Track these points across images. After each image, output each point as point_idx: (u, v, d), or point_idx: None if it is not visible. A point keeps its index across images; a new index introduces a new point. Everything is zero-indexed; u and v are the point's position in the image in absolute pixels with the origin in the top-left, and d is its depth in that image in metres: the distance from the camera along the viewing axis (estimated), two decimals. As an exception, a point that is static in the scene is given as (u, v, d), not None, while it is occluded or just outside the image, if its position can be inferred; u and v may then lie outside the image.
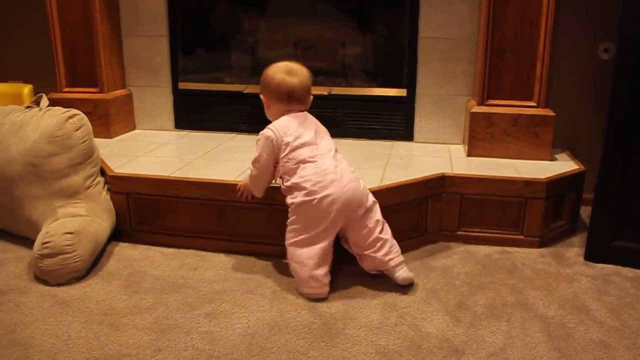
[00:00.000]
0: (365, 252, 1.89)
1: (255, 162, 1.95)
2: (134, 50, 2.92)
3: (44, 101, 2.27)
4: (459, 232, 2.24)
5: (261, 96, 2.00)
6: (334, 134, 2.75)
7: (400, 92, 2.72)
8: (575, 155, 2.51)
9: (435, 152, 2.55)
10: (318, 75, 2.80)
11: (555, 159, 2.44)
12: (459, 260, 2.10)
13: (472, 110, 2.43)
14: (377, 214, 1.91)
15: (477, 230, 2.23)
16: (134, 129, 3.02)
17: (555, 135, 2.41)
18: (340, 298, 1.82)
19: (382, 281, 1.92)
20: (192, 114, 2.97)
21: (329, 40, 2.82)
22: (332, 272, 1.88)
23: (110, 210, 2.21)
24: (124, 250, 2.18)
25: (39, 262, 1.90)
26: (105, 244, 2.15)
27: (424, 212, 2.18)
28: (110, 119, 2.81)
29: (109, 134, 2.82)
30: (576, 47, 2.57)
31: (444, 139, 2.71)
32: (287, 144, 1.88)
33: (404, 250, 2.11)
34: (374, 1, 2.72)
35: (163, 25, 2.86)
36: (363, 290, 1.87)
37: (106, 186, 2.25)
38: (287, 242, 1.88)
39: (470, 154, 2.47)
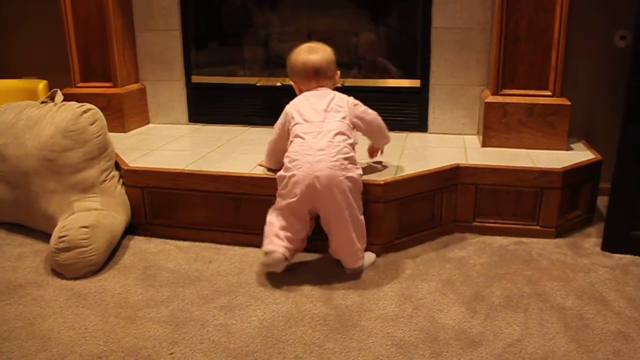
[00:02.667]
0: (332, 243, 1.92)
1: (274, 128, 2.05)
2: (147, 44, 2.93)
3: (59, 96, 2.28)
4: (474, 223, 2.23)
5: (292, 83, 2.07)
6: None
7: (414, 83, 2.70)
8: (591, 145, 2.48)
9: (450, 143, 2.53)
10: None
11: (571, 149, 2.41)
12: (474, 251, 2.09)
13: (486, 100, 2.41)
14: (351, 214, 1.85)
15: (492, 221, 2.22)
16: (147, 123, 3.03)
17: (570, 125, 2.38)
18: (355, 290, 1.82)
19: (397, 273, 1.92)
20: (206, 107, 2.97)
21: (342, 31, 2.80)
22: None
23: (125, 204, 2.22)
24: (139, 244, 2.19)
25: (56, 256, 1.92)
26: (121, 237, 2.16)
27: (438, 203, 2.17)
28: (124, 113, 2.82)
29: (123, 128, 2.83)
30: (592, 34, 2.53)
31: (458, 129, 2.69)
32: (294, 119, 1.95)
33: (419, 242, 2.13)
34: (386, -8, 2.70)
35: (176, 19, 2.86)
36: (378, 281, 1.87)
37: (121, 180, 2.26)
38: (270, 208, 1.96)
39: (484, 144, 2.45)
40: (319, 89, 2.01)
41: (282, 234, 1.87)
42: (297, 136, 1.90)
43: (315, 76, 2.00)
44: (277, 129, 2.03)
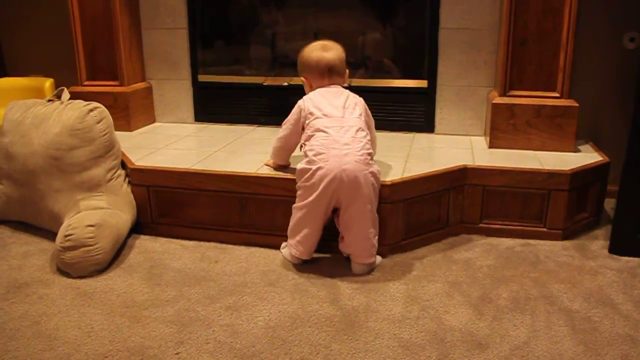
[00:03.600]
0: (346, 237, 1.93)
1: (284, 123, 2.07)
2: (153, 43, 2.93)
3: (65, 94, 2.28)
4: (481, 225, 2.22)
5: (302, 79, 2.08)
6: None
7: (421, 84, 2.69)
8: (598, 147, 2.47)
9: (457, 144, 2.52)
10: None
11: (579, 151, 2.40)
12: (481, 252, 2.08)
13: (494, 102, 2.40)
14: (372, 209, 1.90)
15: (499, 222, 2.21)
16: (153, 121, 3.03)
17: (578, 126, 2.37)
18: (361, 291, 1.81)
19: (404, 274, 1.91)
20: (212, 106, 2.97)
21: (349, 31, 2.80)
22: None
23: (131, 202, 2.22)
24: (145, 243, 2.18)
25: (62, 255, 1.91)
26: (127, 236, 2.16)
27: (445, 204, 2.16)
28: (130, 112, 2.82)
29: (129, 127, 2.83)
30: (600, 36, 2.52)
31: (465, 130, 2.68)
32: (312, 114, 1.95)
33: (425, 243, 2.12)
34: (394, -8, 2.70)
35: (182, 17, 2.86)
36: (384, 282, 1.86)
37: (127, 179, 2.26)
38: (293, 205, 1.96)
39: (492, 145, 2.44)
40: (331, 86, 2.03)
41: (308, 241, 1.93)
42: (318, 130, 1.91)
43: (329, 73, 2.03)
44: (289, 124, 2.04)
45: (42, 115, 2.20)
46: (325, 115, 1.94)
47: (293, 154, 2.13)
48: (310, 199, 1.87)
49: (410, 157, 2.32)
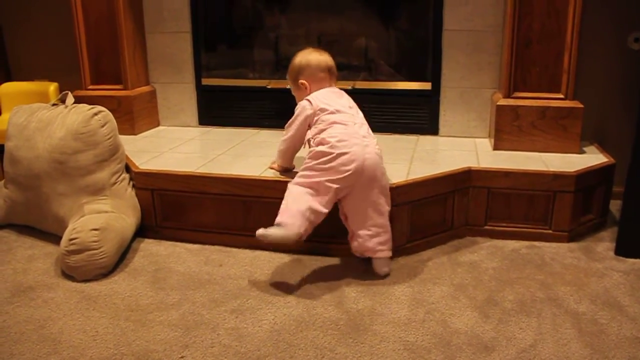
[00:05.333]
0: (361, 232, 1.89)
1: (288, 125, 2.05)
2: (157, 47, 2.93)
3: (70, 98, 2.28)
4: (486, 227, 2.21)
5: (300, 82, 2.06)
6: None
7: (425, 86, 2.69)
8: (604, 148, 2.46)
9: (461, 146, 2.52)
10: (342, 70, 2.79)
11: (584, 152, 2.39)
12: (486, 255, 2.07)
13: (498, 103, 2.39)
14: (386, 201, 1.91)
15: (504, 224, 2.20)
16: (157, 125, 3.03)
17: (582, 128, 2.36)
18: (366, 294, 1.80)
19: (409, 276, 1.91)
20: (216, 110, 2.97)
21: (352, 34, 2.79)
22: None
23: (135, 206, 2.22)
24: (149, 247, 2.18)
25: (66, 259, 1.91)
26: (131, 240, 2.16)
27: (450, 207, 2.16)
28: (134, 115, 2.82)
29: (133, 131, 2.83)
30: (605, 37, 2.51)
31: (469, 132, 2.67)
32: (323, 110, 1.95)
33: (430, 245, 2.11)
34: (398, -6, 2.70)
35: (186, 21, 2.86)
36: (389, 285, 1.86)
37: (131, 182, 2.26)
38: (291, 182, 1.87)
39: (496, 147, 2.43)
40: (334, 88, 2.06)
41: (309, 215, 1.80)
42: (334, 123, 1.91)
43: (330, 74, 2.07)
44: (296, 124, 2.01)
45: (46, 120, 2.20)
46: (337, 110, 1.95)
47: (297, 155, 2.13)
48: (324, 179, 1.80)
49: (414, 159, 2.32)
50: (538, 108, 2.35)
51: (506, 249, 2.11)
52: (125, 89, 2.82)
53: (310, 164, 1.86)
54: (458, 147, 2.50)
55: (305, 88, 2.06)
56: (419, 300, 1.76)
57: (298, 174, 1.89)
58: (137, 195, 2.24)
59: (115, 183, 2.17)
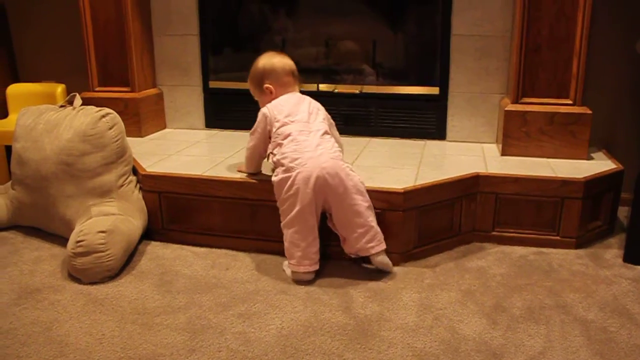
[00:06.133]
0: (349, 236, 1.91)
1: (251, 133, 2.08)
2: (164, 49, 2.93)
3: (77, 100, 2.28)
4: (493, 233, 2.20)
5: (265, 87, 2.09)
6: (364, 133, 2.77)
7: (433, 90, 2.68)
8: (612, 154, 2.45)
9: (469, 151, 2.51)
10: (349, 74, 2.79)
11: (592, 158, 2.38)
12: (493, 261, 2.06)
13: (506, 109, 2.38)
14: (363, 199, 1.91)
15: (511, 230, 2.19)
16: (164, 128, 3.03)
17: (590, 133, 2.35)
18: (374, 299, 1.80)
19: (416, 282, 1.90)
20: (223, 112, 2.96)
21: (360, 38, 2.79)
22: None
23: (142, 209, 2.21)
24: (155, 249, 2.18)
25: (73, 261, 1.91)
26: (137, 243, 2.16)
27: (458, 212, 2.15)
28: (141, 118, 2.82)
29: (139, 133, 2.83)
30: (613, 42, 2.51)
31: (477, 137, 2.67)
32: (278, 121, 1.98)
33: (437, 251, 2.11)
34: (405, -2, 2.69)
35: (194, 24, 2.86)
36: (397, 291, 1.85)
37: (138, 185, 2.26)
38: (281, 224, 1.94)
39: (504, 153, 2.42)
40: (295, 93, 2.09)
41: (314, 250, 1.89)
42: (287, 136, 1.94)
43: (294, 78, 2.09)
44: (257, 134, 2.06)
45: (54, 121, 2.20)
46: (292, 121, 1.97)
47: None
48: (298, 207, 1.86)
49: (422, 164, 2.31)
50: (546, 114, 2.34)
51: (514, 255, 2.10)
52: (132, 91, 2.82)
53: (280, 198, 1.91)
54: (465, 153, 2.49)
55: (270, 92, 2.08)
56: (427, 306, 1.76)
57: (281, 212, 1.93)
58: (143, 197, 2.24)
59: (122, 185, 2.17)
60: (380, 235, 1.93)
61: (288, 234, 1.91)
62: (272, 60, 2.08)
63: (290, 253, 1.91)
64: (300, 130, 1.95)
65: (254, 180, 2.11)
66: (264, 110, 2.04)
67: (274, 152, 1.98)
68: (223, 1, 2.89)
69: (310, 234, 1.89)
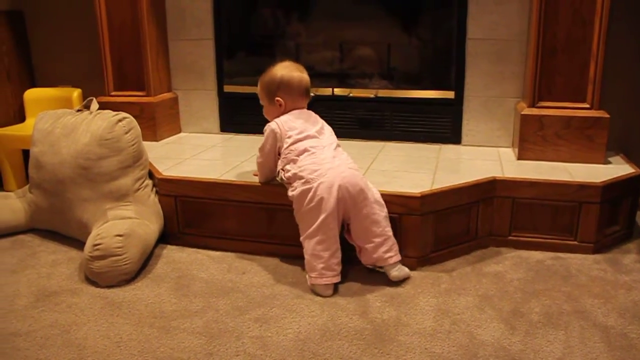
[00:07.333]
0: (366, 246, 1.90)
1: (260, 150, 2.06)
2: (180, 53, 2.94)
3: (94, 105, 2.30)
4: (510, 237, 2.19)
5: (277, 99, 2.03)
6: (379, 137, 2.77)
7: (448, 94, 2.67)
8: (629, 158, 2.43)
9: (485, 156, 2.50)
10: (364, 78, 2.79)
11: (609, 162, 2.36)
12: (511, 266, 2.05)
13: (522, 113, 2.37)
14: (381, 209, 1.92)
15: (528, 235, 2.17)
16: (179, 132, 3.04)
17: (608, 137, 2.33)
18: (391, 304, 1.79)
19: (433, 287, 1.89)
20: (238, 116, 2.97)
21: (374, 42, 2.79)
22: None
23: (158, 212, 2.22)
24: (172, 253, 2.18)
25: (90, 264, 1.92)
26: (154, 246, 2.16)
27: (474, 217, 2.14)
28: (156, 122, 2.83)
29: (155, 137, 2.84)
30: (631, 45, 2.49)
31: (492, 141, 2.65)
32: (290, 137, 1.96)
33: (454, 255, 2.10)
34: (421, 3, 2.68)
35: (209, 28, 2.87)
36: (414, 295, 1.84)
37: (154, 189, 2.26)
38: (301, 238, 1.91)
39: (520, 157, 2.41)
40: (303, 110, 2.06)
41: (335, 262, 1.87)
42: (304, 151, 1.92)
43: (306, 94, 2.06)
44: (265, 150, 2.03)
45: (71, 125, 2.22)
46: (305, 137, 1.95)
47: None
48: (323, 216, 1.83)
49: (438, 168, 2.30)
50: (563, 118, 2.33)
51: (531, 260, 2.09)
52: (148, 95, 2.83)
53: (301, 211, 1.89)
54: (481, 157, 2.48)
55: (280, 105, 2.03)
56: (444, 311, 1.75)
57: (301, 226, 1.91)
58: (160, 201, 2.25)
59: (138, 189, 2.18)
60: (397, 246, 1.92)
61: (310, 246, 1.87)
62: (292, 74, 2.01)
63: (312, 266, 1.86)
64: (314, 145, 1.94)
65: (270, 184, 2.11)
66: (273, 126, 1.99)
67: (286, 167, 1.95)
68: (238, 5, 2.91)
69: (334, 244, 1.86)
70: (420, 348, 1.56)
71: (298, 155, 1.92)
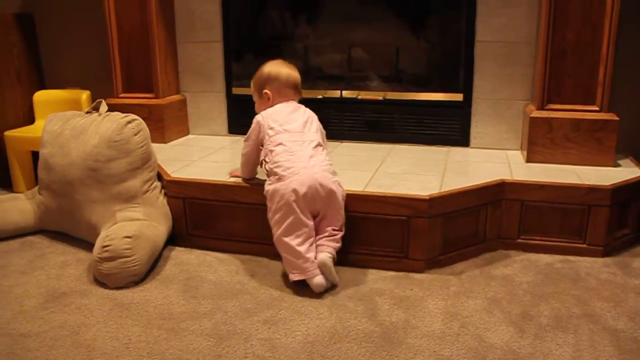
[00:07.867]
0: (318, 234, 1.93)
1: (245, 140, 2.11)
2: (188, 56, 2.95)
3: (103, 106, 2.30)
4: (519, 240, 2.18)
5: (264, 92, 2.11)
6: (388, 139, 2.77)
7: (456, 97, 2.67)
8: (639, 161, 2.42)
9: (493, 158, 2.49)
10: (373, 80, 2.79)
11: (619, 165, 2.36)
12: (519, 269, 2.04)
13: (531, 115, 2.37)
14: (343, 214, 1.95)
15: (537, 238, 2.17)
16: (187, 134, 3.05)
17: (617, 140, 2.32)
18: (399, 306, 1.79)
19: (442, 289, 1.88)
20: (246, 118, 2.94)
21: (382, 44, 2.79)
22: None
23: (167, 214, 2.22)
24: (180, 255, 2.19)
25: (99, 265, 1.92)
26: (162, 248, 2.17)
27: (483, 219, 2.13)
28: (165, 124, 2.84)
29: (163, 139, 2.85)
30: (639, 46, 2.48)
31: (501, 144, 2.65)
32: (272, 129, 2.00)
33: (462, 258, 2.10)
34: (429, 5, 2.68)
35: (217, 31, 2.88)
36: (422, 298, 1.84)
37: (163, 191, 2.27)
38: (274, 237, 1.92)
39: (529, 159, 2.40)
40: (291, 102, 2.10)
41: (312, 255, 1.87)
42: (280, 144, 1.95)
43: (294, 90, 2.12)
44: (250, 141, 2.08)
45: (80, 127, 2.23)
46: (285, 130, 1.99)
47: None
48: (294, 216, 1.86)
49: (446, 171, 2.30)
50: (572, 120, 2.32)
51: (540, 263, 2.08)
52: (156, 97, 2.84)
53: (273, 207, 1.91)
54: (490, 159, 2.48)
55: (268, 99, 2.11)
56: (453, 314, 1.74)
57: (273, 224, 1.92)
58: (168, 203, 2.25)
59: (147, 191, 2.18)
60: (337, 245, 1.93)
61: (285, 244, 1.88)
62: (279, 69, 2.10)
63: (291, 263, 1.88)
64: (294, 140, 1.97)
65: (278, 187, 2.12)
66: (258, 117, 2.06)
67: (267, 159, 1.99)
68: (246, 8, 2.91)
69: (308, 238, 1.88)
70: (429, 351, 1.56)
71: (275, 147, 1.96)
